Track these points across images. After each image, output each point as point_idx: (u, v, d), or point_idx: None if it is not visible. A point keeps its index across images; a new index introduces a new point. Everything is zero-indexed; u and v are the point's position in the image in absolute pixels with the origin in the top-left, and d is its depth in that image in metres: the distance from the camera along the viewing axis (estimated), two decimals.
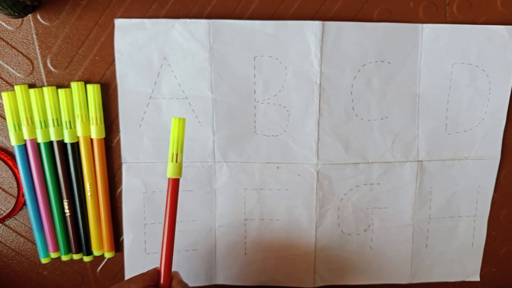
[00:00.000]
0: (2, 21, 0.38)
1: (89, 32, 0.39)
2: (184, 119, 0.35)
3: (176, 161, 0.35)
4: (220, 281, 0.43)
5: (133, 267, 0.42)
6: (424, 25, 0.40)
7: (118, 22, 0.38)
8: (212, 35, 0.39)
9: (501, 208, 0.45)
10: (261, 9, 0.39)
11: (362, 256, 0.44)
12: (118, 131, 0.40)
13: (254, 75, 0.40)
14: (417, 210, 0.44)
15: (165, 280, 0.35)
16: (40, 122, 0.38)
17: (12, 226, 0.42)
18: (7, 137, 0.40)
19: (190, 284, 0.37)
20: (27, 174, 0.39)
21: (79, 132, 0.39)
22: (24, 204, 0.41)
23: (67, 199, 0.40)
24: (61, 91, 0.38)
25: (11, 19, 0.38)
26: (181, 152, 0.35)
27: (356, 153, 0.42)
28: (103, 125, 0.40)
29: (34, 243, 0.42)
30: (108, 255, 0.42)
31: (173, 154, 0.35)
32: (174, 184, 0.35)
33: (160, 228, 0.42)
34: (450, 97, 0.42)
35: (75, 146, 0.39)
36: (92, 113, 0.39)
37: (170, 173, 0.35)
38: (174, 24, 0.38)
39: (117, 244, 0.42)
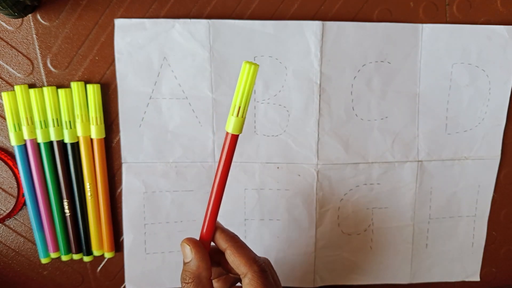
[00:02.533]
0: (2, 21, 0.38)
1: (89, 32, 0.39)
2: (257, 67, 0.28)
3: (241, 116, 0.29)
4: None
5: (133, 267, 0.42)
6: (424, 25, 0.40)
7: (118, 22, 0.38)
8: (212, 35, 0.39)
9: (501, 208, 0.45)
10: (261, 9, 0.39)
11: (362, 256, 0.44)
12: (118, 131, 0.40)
13: None
14: (417, 210, 0.44)
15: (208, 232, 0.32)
16: (40, 122, 0.38)
17: (12, 226, 0.42)
18: (7, 137, 0.40)
19: None
20: (27, 174, 0.39)
21: (79, 132, 0.39)
22: (24, 204, 0.41)
23: (67, 199, 0.40)
24: (61, 91, 0.38)
25: (11, 19, 0.38)
26: (247, 106, 0.29)
27: (356, 153, 0.42)
28: (103, 125, 0.40)
29: (34, 243, 0.42)
30: (108, 255, 0.42)
31: (238, 107, 0.29)
32: (233, 140, 0.30)
33: (160, 228, 0.42)
34: (450, 97, 0.42)
35: (75, 146, 0.39)
36: (92, 113, 0.39)
37: (230, 127, 0.29)
38: (174, 24, 0.38)
39: (117, 244, 0.42)
